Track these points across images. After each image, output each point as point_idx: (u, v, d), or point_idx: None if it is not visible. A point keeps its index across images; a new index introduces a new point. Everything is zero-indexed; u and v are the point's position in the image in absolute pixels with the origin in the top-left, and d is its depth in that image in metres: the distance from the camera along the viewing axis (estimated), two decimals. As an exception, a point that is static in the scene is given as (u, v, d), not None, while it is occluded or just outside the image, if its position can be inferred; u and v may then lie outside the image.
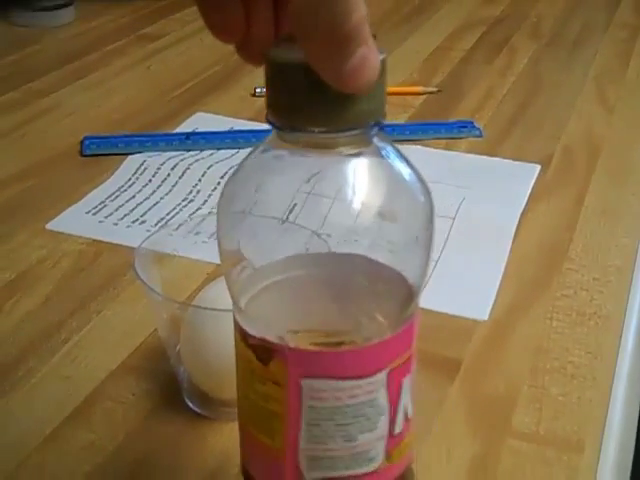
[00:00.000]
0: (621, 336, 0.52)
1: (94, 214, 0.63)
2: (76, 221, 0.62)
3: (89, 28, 1.04)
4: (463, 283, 0.56)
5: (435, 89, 0.86)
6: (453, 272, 0.57)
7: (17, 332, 0.51)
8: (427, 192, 0.31)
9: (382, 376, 0.31)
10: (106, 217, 0.63)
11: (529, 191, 0.67)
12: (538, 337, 0.52)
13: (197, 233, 0.47)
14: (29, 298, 0.54)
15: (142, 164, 0.70)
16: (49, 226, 0.61)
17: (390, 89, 0.95)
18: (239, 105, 0.82)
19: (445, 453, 0.43)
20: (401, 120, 0.80)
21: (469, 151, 0.74)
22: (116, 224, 0.62)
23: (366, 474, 0.32)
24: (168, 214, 0.62)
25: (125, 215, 0.63)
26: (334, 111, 0.27)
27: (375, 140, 0.30)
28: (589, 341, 0.51)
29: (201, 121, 0.78)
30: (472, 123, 0.79)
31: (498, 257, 0.59)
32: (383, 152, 0.30)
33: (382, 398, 0.31)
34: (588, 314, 0.54)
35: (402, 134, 0.76)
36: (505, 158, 0.73)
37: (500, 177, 0.69)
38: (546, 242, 0.61)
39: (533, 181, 0.69)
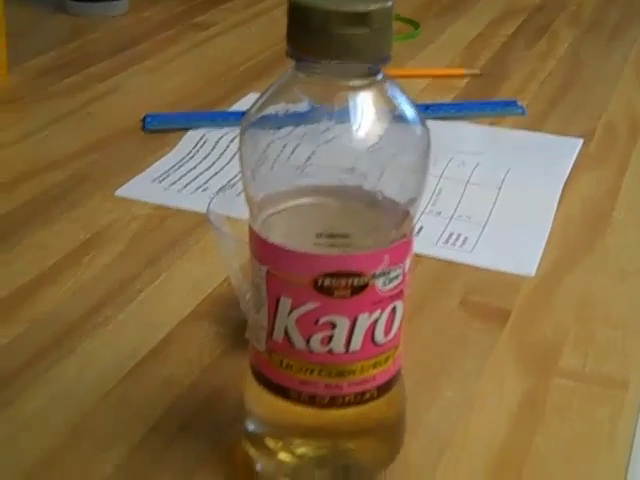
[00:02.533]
0: (664, 290, 0.55)
1: (159, 182, 0.67)
2: (143, 188, 0.66)
3: (142, 18, 1.08)
4: (511, 243, 0.59)
5: (478, 71, 0.89)
6: (501, 234, 0.60)
7: (95, 283, 0.55)
8: (425, 129, 0.35)
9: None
10: (170, 185, 0.66)
11: (572, 163, 0.70)
12: (583, 290, 0.55)
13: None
14: (104, 255, 0.58)
15: (202, 138, 0.73)
16: (118, 192, 0.65)
17: (434, 71, 0.97)
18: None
19: (497, 390, 0.47)
20: (446, 100, 0.83)
21: (513, 128, 0.77)
22: (180, 191, 0.66)
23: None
24: (229, 181, 0.66)
25: (188, 183, 0.67)
26: (345, 45, 0.33)
27: (382, 78, 0.35)
28: (632, 295, 0.54)
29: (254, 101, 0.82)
30: (515, 102, 0.81)
31: (543, 221, 0.62)
32: (389, 89, 0.35)
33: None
34: (630, 271, 0.57)
35: (448, 112, 0.79)
36: (548, 134, 0.76)
37: (544, 150, 0.72)
38: (589, 208, 0.64)
39: (576, 154, 0.71)
